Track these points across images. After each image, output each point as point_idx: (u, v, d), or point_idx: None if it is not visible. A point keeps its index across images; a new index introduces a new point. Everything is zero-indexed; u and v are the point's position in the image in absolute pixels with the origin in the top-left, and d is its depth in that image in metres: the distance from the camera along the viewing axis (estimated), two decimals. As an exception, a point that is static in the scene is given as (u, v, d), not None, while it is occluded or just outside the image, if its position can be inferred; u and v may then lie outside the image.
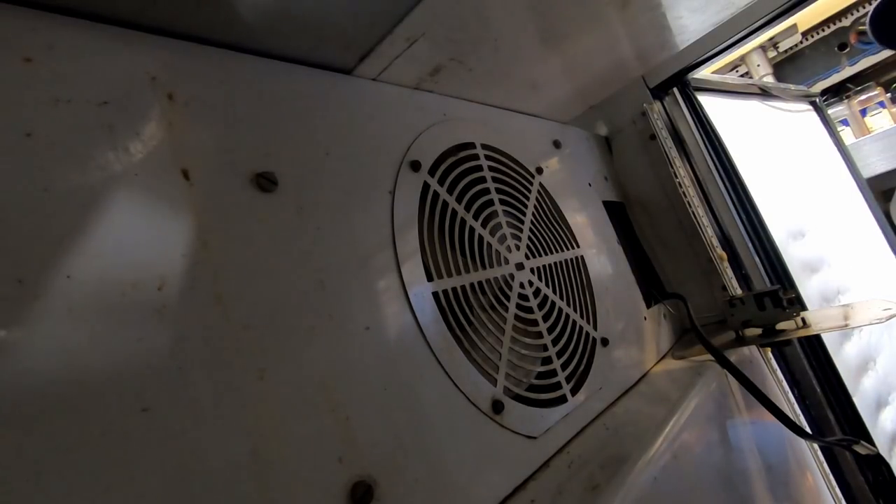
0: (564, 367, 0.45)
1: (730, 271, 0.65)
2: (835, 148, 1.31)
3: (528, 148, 0.56)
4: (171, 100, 0.27)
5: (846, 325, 0.51)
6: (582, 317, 0.51)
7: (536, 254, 0.50)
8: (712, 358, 0.54)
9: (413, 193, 0.40)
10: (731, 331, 0.59)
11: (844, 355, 0.74)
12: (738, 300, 0.57)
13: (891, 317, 0.47)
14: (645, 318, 0.61)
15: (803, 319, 0.54)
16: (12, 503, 0.17)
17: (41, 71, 0.23)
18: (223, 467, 0.22)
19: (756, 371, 0.59)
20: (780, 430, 0.57)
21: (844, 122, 1.99)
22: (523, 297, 0.45)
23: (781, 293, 0.54)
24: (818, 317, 0.55)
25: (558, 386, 0.44)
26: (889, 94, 1.95)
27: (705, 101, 0.76)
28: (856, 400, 0.65)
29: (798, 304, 0.56)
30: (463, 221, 0.43)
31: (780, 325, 0.55)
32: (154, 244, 0.24)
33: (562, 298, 0.50)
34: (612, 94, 0.72)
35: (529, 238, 0.50)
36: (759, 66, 1.87)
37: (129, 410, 0.20)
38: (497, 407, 0.36)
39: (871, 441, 0.64)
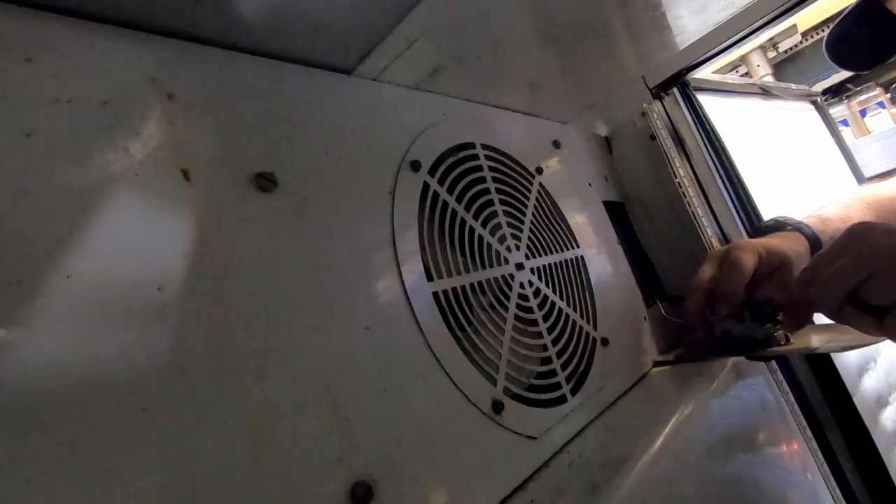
0: (564, 367, 0.45)
1: (730, 271, 0.65)
2: (836, 147, 1.31)
3: (528, 148, 0.56)
4: (171, 100, 0.27)
5: (817, 349, 0.49)
6: (582, 317, 0.51)
7: (536, 254, 0.50)
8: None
9: (413, 193, 0.40)
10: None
11: (844, 355, 0.74)
12: None
13: (859, 346, 0.44)
14: (645, 318, 0.61)
15: (787, 336, 0.51)
16: (12, 503, 0.17)
17: (41, 71, 0.23)
18: (223, 467, 0.22)
19: (755, 371, 0.59)
20: (781, 430, 0.57)
21: (844, 123, 2.00)
22: (523, 297, 0.45)
23: (765, 307, 0.50)
24: (804, 333, 0.51)
25: (558, 386, 0.44)
26: (889, 95, 1.95)
27: (705, 100, 0.76)
28: (856, 400, 0.65)
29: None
30: (463, 221, 0.43)
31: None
32: (154, 244, 0.24)
33: (562, 298, 0.50)
34: (612, 94, 0.72)
35: (529, 238, 0.50)
36: (758, 66, 1.88)
37: (128, 410, 0.20)
38: (497, 407, 0.36)
39: (871, 441, 0.64)
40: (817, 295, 0.40)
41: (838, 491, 0.60)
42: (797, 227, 0.59)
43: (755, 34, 0.62)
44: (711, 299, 0.52)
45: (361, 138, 0.37)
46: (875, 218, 0.62)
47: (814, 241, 0.57)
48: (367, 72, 0.40)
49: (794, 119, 1.20)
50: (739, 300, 0.50)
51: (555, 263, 0.51)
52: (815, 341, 0.50)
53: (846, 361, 0.71)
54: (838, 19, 0.76)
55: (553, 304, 0.48)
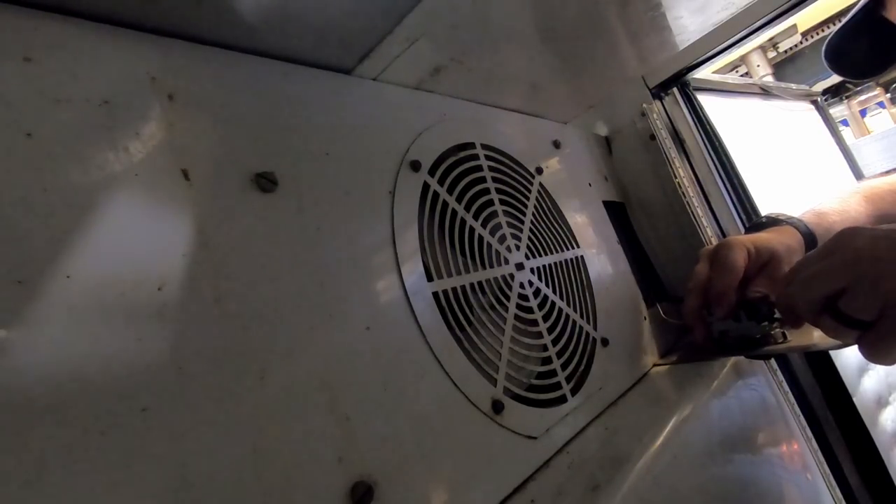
0: (564, 367, 0.45)
1: (730, 271, 0.65)
2: (836, 147, 1.31)
3: (528, 148, 0.56)
4: (171, 100, 0.27)
5: (815, 345, 0.48)
6: (582, 317, 0.51)
7: (536, 254, 0.50)
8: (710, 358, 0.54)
9: (413, 193, 0.40)
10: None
11: (844, 355, 0.74)
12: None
13: (848, 345, 0.42)
14: (645, 318, 0.61)
15: (784, 334, 0.50)
16: (12, 503, 0.17)
17: (41, 71, 0.23)
18: (223, 467, 0.22)
19: (755, 371, 0.59)
20: (781, 430, 0.57)
21: (844, 123, 1.99)
22: (523, 297, 0.45)
23: (760, 305, 0.50)
24: (802, 331, 0.51)
25: (558, 386, 0.44)
26: (889, 95, 1.95)
27: (705, 100, 0.76)
28: (856, 400, 0.65)
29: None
30: (463, 221, 0.43)
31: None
32: (154, 244, 0.24)
33: (562, 298, 0.50)
34: (612, 94, 0.72)
35: (529, 238, 0.50)
36: (758, 66, 1.88)
37: (128, 410, 0.20)
38: (497, 407, 0.36)
39: (871, 441, 0.64)
40: (794, 299, 0.39)
41: (838, 491, 0.60)
42: (790, 222, 0.59)
43: (755, 34, 0.62)
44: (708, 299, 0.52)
45: (361, 138, 0.37)
46: (873, 210, 0.62)
47: (808, 234, 0.57)
48: (367, 72, 0.40)
49: (794, 119, 1.20)
50: (733, 300, 0.50)
51: (555, 263, 0.51)
52: (814, 338, 0.50)
53: (846, 361, 0.71)
54: (837, 28, 0.76)
55: (553, 304, 0.48)
